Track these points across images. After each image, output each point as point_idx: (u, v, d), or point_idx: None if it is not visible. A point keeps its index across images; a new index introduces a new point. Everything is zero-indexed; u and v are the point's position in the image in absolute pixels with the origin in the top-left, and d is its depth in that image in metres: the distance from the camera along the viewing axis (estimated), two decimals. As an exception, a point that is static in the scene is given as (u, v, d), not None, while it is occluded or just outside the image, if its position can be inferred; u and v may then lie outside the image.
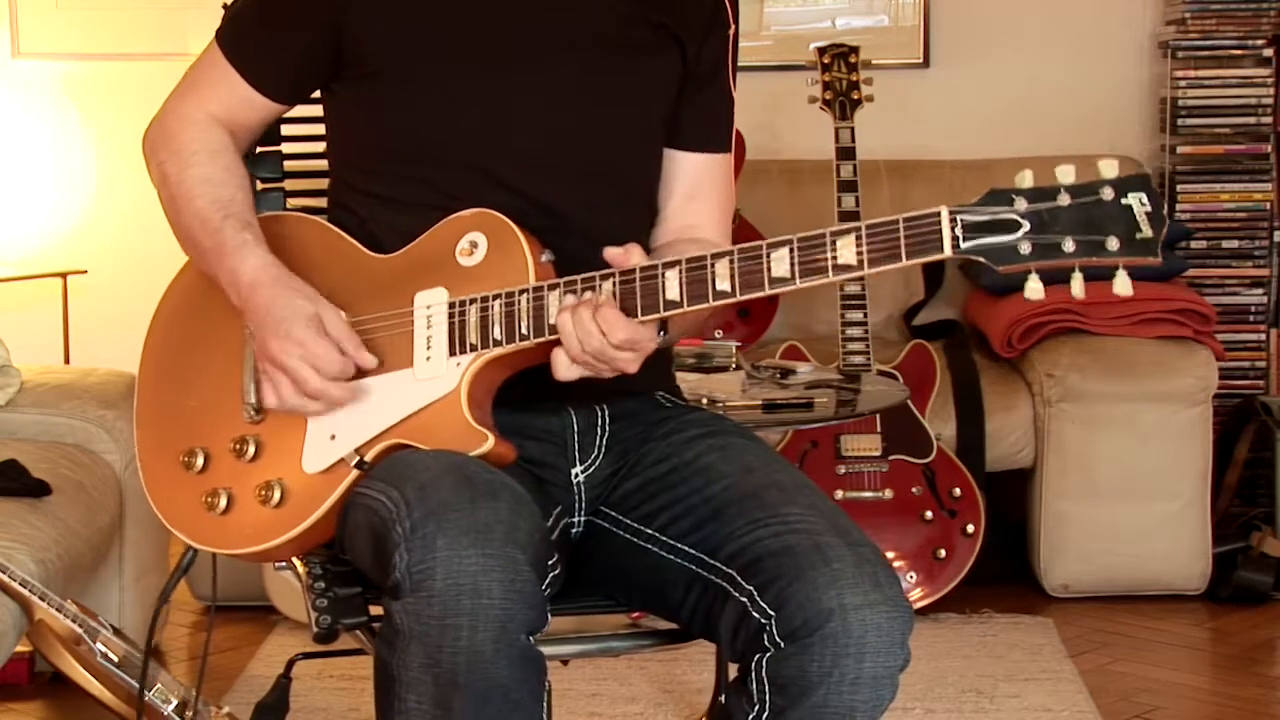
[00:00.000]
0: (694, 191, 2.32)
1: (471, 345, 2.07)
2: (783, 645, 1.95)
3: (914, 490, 4.12)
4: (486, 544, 1.88)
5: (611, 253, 2.03)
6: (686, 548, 2.09)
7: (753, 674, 1.98)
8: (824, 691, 1.93)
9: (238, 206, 2.21)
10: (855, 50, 4.19)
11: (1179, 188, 4.81)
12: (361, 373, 2.12)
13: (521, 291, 2.05)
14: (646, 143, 2.30)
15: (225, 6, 2.66)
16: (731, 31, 2.32)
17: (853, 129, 4.10)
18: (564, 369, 2.04)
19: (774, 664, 1.96)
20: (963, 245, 1.86)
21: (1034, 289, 1.88)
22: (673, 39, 2.27)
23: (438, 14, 2.19)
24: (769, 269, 1.95)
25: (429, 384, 2.08)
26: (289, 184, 2.72)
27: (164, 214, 2.27)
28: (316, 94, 2.32)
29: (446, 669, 1.87)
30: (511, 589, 1.87)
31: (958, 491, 4.12)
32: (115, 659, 2.92)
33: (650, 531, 2.15)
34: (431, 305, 2.11)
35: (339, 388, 2.09)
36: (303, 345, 2.08)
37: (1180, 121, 4.80)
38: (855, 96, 4.14)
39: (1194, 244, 4.79)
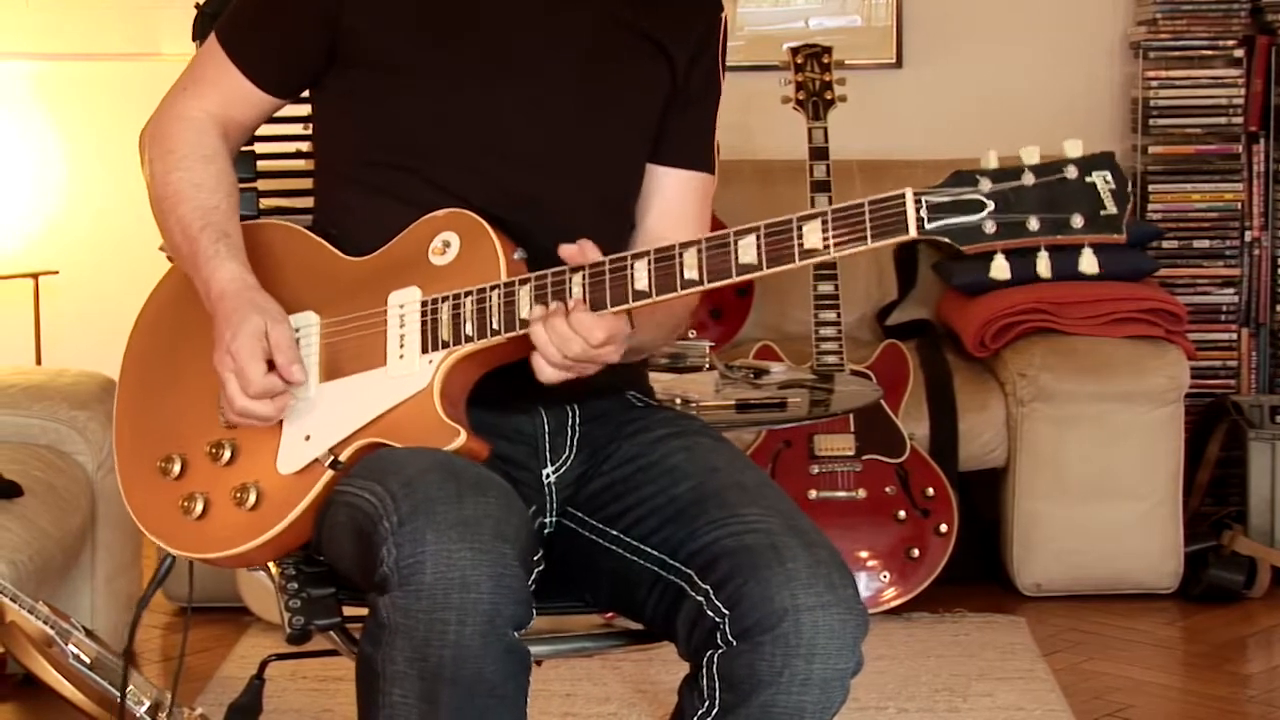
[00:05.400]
0: (672, 208, 2.32)
1: (444, 342, 2.07)
2: (735, 643, 1.96)
3: (887, 490, 4.12)
4: (476, 538, 1.88)
5: (566, 250, 2.03)
6: (649, 549, 2.10)
7: (704, 670, 1.99)
8: (773, 691, 1.94)
9: (219, 215, 2.20)
10: (828, 50, 4.20)
11: (1150, 187, 4.82)
12: (335, 374, 2.12)
13: (493, 288, 2.05)
14: (631, 150, 2.30)
15: (198, 6, 2.66)
16: (721, 26, 2.33)
17: (826, 129, 4.10)
18: (547, 374, 2.04)
19: (725, 661, 1.97)
20: (927, 226, 1.87)
21: (1000, 266, 1.89)
22: (663, 53, 2.28)
23: (436, 11, 2.20)
24: (736, 256, 1.95)
25: (402, 381, 2.08)
26: (260, 184, 2.73)
27: (150, 210, 2.27)
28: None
29: (433, 663, 1.87)
30: (500, 584, 1.87)
31: (931, 491, 4.13)
32: (87, 661, 2.92)
33: (615, 533, 2.16)
34: (405, 304, 2.11)
35: (263, 404, 2.09)
36: (236, 359, 2.08)
37: (1152, 121, 4.82)
38: (828, 97, 4.15)
39: (1165, 244, 4.80)
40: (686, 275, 1.98)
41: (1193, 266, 4.84)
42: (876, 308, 4.83)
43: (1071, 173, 1.86)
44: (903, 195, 1.88)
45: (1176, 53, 4.81)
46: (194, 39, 2.74)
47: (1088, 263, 1.87)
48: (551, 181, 2.21)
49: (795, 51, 4.20)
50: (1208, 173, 4.83)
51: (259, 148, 2.66)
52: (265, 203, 2.75)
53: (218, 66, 2.27)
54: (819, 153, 4.07)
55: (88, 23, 5.05)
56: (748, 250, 1.95)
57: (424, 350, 2.08)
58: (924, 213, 1.87)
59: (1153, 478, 4.26)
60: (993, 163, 1.88)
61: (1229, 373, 4.86)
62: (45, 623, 2.91)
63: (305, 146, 2.42)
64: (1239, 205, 4.82)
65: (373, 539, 1.92)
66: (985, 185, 1.87)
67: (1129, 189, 1.88)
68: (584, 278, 2.01)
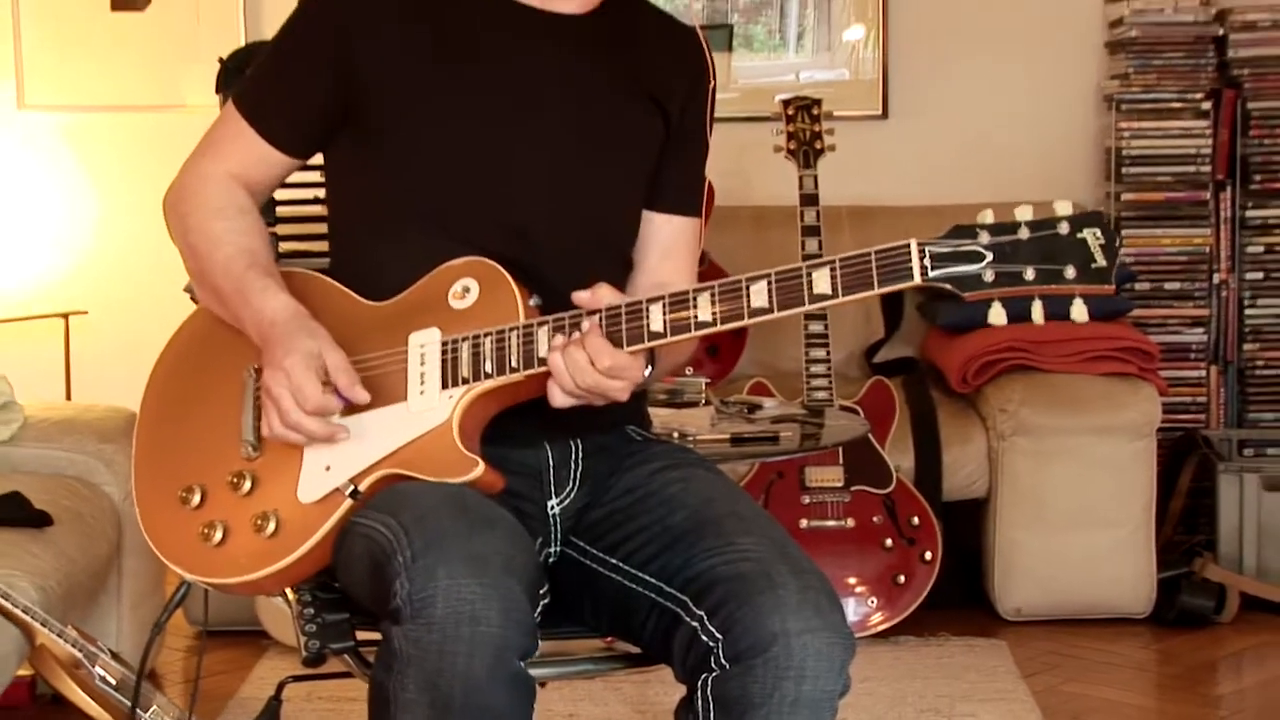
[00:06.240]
0: (668, 252, 2.33)
1: (463, 378, 2.07)
2: (728, 666, 1.96)
3: (875, 519, 4.12)
4: (485, 573, 1.88)
5: (579, 296, 2.04)
6: (647, 575, 2.10)
7: (699, 693, 1.98)
8: (765, 712, 1.94)
9: (262, 257, 2.22)
10: (818, 102, 4.20)
11: (1124, 232, 4.82)
12: (356, 409, 2.11)
13: (512, 329, 2.06)
14: (629, 198, 2.31)
15: (221, 60, 2.67)
16: (711, 81, 2.34)
17: (816, 176, 4.11)
18: (558, 399, 2.04)
19: (719, 684, 1.97)
20: (931, 274, 1.90)
21: (997, 312, 1.93)
22: (658, 107, 2.29)
23: (444, 72, 2.20)
24: (749, 300, 1.97)
25: (422, 416, 2.08)
26: (279, 229, 2.73)
27: (184, 264, 2.27)
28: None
29: (443, 693, 1.86)
30: (508, 617, 1.87)
31: (916, 520, 4.12)
32: (113, 682, 2.90)
33: (615, 560, 2.15)
34: (425, 344, 2.11)
35: (317, 422, 2.07)
36: (290, 376, 2.07)
37: (1124, 170, 4.82)
38: (818, 146, 4.15)
39: (1138, 285, 4.80)
40: (700, 317, 1.99)
41: (1164, 307, 4.84)
42: (864, 346, 4.83)
43: (1064, 228, 1.90)
44: (908, 245, 1.91)
45: (1148, 105, 4.82)
46: (217, 91, 2.74)
47: (1079, 312, 1.93)
48: (554, 226, 2.21)
49: (787, 103, 4.21)
50: (1178, 218, 4.83)
51: (278, 194, 2.65)
52: (284, 247, 2.75)
53: (237, 130, 2.27)
54: (809, 199, 4.07)
55: (117, 76, 5.06)
56: (760, 295, 1.96)
57: (444, 386, 2.08)
58: (927, 261, 1.90)
59: (1127, 508, 4.25)
60: (990, 218, 1.91)
61: (1199, 408, 4.85)
62: (73, 645, 2.90)
63: (322, 194, 2.42)
64: (1207, 249, 4.83)
65: (387, 571, 1.92)
66: (984, 238, 1.91)
67: (1118, 244, 1.91)
68: (600, 319, 2.02)
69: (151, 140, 4.89)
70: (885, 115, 5.14)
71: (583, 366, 2.00)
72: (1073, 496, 4.24)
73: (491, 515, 1.98)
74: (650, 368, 2.07)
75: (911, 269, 1.90)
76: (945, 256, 1.90)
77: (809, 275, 1.94)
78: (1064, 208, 1.91)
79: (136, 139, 5.02)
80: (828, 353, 4.04)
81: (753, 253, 4.59)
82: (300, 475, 2.11)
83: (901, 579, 4.10)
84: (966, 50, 5.11)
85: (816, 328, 4.03)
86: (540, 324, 2.05)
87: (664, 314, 2.00)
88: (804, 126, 4.16)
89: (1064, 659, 4.04)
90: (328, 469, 2.10)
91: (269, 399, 2.09)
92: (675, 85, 2.31)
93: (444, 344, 2.10)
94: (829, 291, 1.94)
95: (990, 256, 1.89)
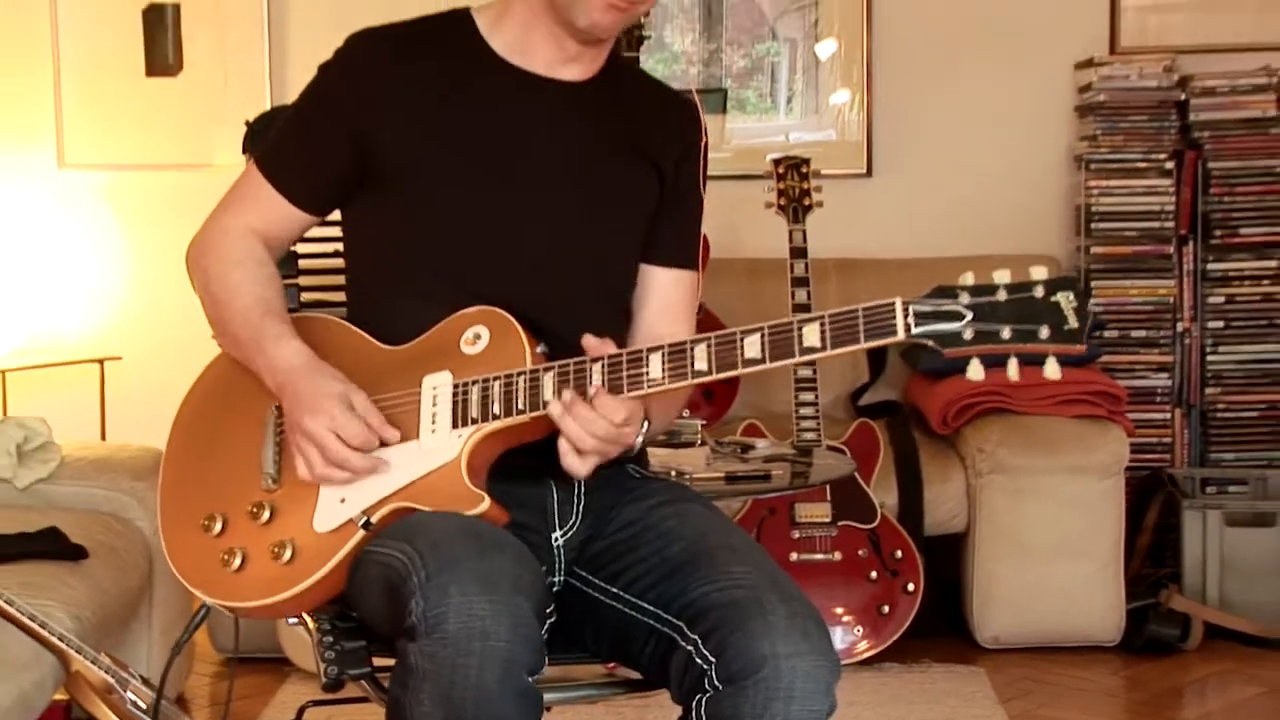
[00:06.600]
0: (665, 306, 2.34)
1: (473, 419, 2.08)
2: (721, 688, 1.96)
3: (860, 552, 4.11)
4: (494, 592, 1.88)
5: (589, 341, 2.05)
6: (646, 604, 2.10)
7: (694, 713, 1.99)
8: None
9: (275, 306, 2.23)
10: (806, 161, 4.21)
11: (1093, 283, 4.82)
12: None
13: (520, 373, 2.07)
14: (627, 252, 2.32)
15: (248, 123, 2.67)
16: (703, 144, 2.35)
17: (805, 231, 4.11)
18: (578, 465, 2.05)
19: (712, 704, 1.97)
20: (914, 330, 1.91)
21: (975, 368, 1.96)
22: (653, 166, 2.30)
23: (453, 140, 2.20)
24: (742, 351, 1.97)
25: (433, 453, 2.09)
26: (301, 279, 2.73)
27: (204, 311, 2.28)
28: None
29: (457, 704, 1.86)
30: (516, 633, 1.88)
31: (899, 554, 4.11)
32: (144, 706, 2.89)
33: (615, 590, 2.15)
34: (438, 386, 2.12)
35: (360, 457, 2.09)
36: (332, 418, 2.08)
37: (1094, 225, 4.83)
38: (806, 202, 4.15)
39: (1107, 333, 4.80)
40: (697, 366, 2.00)
41: (1131, 354, 4.84)
42: (850, 390, 4.82)
43: (1039, 292, 1.92)
44: (893, 304, 1.91)
45: (1115, 165, 4.83)
46: (243, 151, 2.74)
47: (1051, 370, 1.95)
48: (558, 278, 2.22)
49: (777, 162, 4.21)
50: (1144, 271, 4.83)
51: (300, 248, 2.66)
52: (306, 296, 2.75)
53: (258, 187, 2.28)
54: (799, 252, 4.07)
55: (150, 138, 5.07)
56: (753, 346, 1.97)
57: (454, 425, 2.09)
58: (911, 319, 1.91)
59: (1098, 542, 4.24)
60: (970, 280, 1.93)
61: (1164, 449, 4.84)
62: (106, 672, 2.89)
63: (341, 247, 2.43)
64: (1171, 299, 4.83)
65: (402, 592, 1.92)
66: (964, 299, 1.92)
67: (1090, 306, 1.93)
68: (603, 367, 2.02)
69: (181, 197, 4.90)
70: (869, 174, 5.15)
71: (594, 420, 2.01)
72: (1047, 531, 4.23)
73: (501, 540, 1.99)
74: (647, 422, 2.09)
75: (896, 326, 1.90)
76: (928, 315, 1.91)
77: (799, 329, 1.95)
78: (1039, 272, 1.93)
79: (167, 196, 5.03)
80: (816, 396, 4.04)
81: (746, 302, 4.60)
82: (316, 506, 2.12)
83: (886, 609, 4.09)
84: (945, 113, 5.12)
85: (805, 373, 4.03)
86: (546, 370, 2.06)
87: (663, 362, 2.01)
88: (793, 184, 4.17)
89: (1039, 685, 4.02)
90: (342, 501, 2.11)
91: (307, 441, 2.10)
92: (669, 147, 2.32)
93: (455, 386, 2.11)
94: (818, 345, 1.94)
95: (970, 316, 1.91)
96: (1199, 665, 4.17)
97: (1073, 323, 1.91)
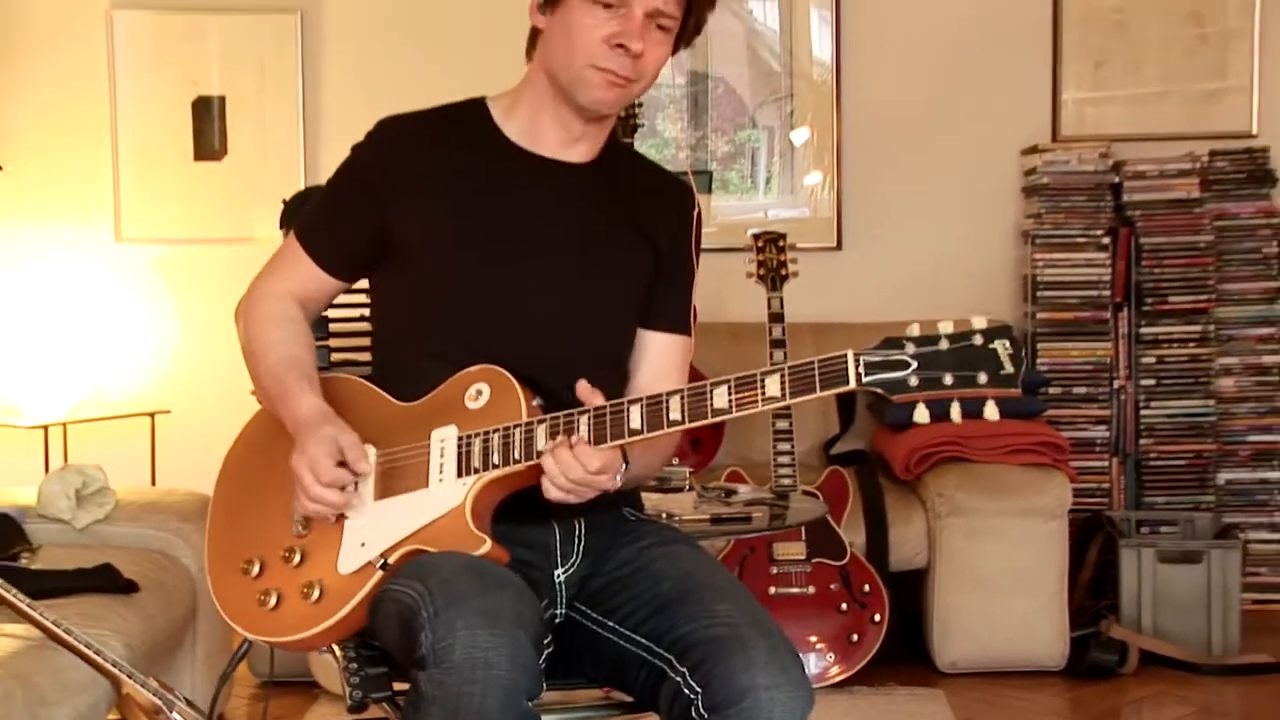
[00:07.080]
0: (660, 368, 2.32)
1: (475, 468, 2.08)
2: (707, 716, 1.95)
3: (832, 587, 4.09)
4: (496, 626, 1.88)
5: (582, 387, 2.05)
6: (639, 637, 2.09)
7: None
8: None
9: (302, 363, 2.23)
10: (783, 236, 4.22)
11: (1039, 345, 4.84)
12: (388, 493, 2.11)
13: (516, 426, 2.07)
14: (624, 318, 2.31)
15: (285, 201, 2.67)
16: (696, 214, 2.34)
17: (781, 298, 4.12)
18: (553, 494, 2.05)
19: None
20: (865, 379, 1.90)
21: (921, 412, 1.93)
22: (648, 240, 2.29)
23: (469, 217, 2.21)
24: (712, 401, 1.96)
25: (441, 500, 2.09)
26: (332, 341, 2.72)
27: (245, 364, 2.28)
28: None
29: None
30: (516, 663, 1.87)
31: (867, 588, 4.10)
32: (187, 726, 2.87)
33: (612, 624, 2.14)
34: (444, 439, 2.12)
35: (333, 493, 2.08)
36: (308, 456, 2.09)
37: (1039, 293, 4.84)
38: (783, 273, 4.16)
39: (1051, 390, 4.81)
40: (672, 416, 1.98)
41: (1073, 408, 4.84)
42: (823, 440, 4.82)
43: (978, 340, 1.89)
44: (845, 355, 1.91)
45: (1057, 240, 4.85)
46: (280, 227, 2.74)
47: (990, 412, 1.91)
48: (560, 341, 2.21)
49: (757, 237, 4.22)
50: (1084, 334, 4.85)
51: (330, 313, 2.66)
52: (336, 356, 2.74)
53: (296, 256, 2.29)
54: (776, 317, 4.08)
55: (198, 215, 5.08)
56: (721, 397, 1.95)
57: (459, 475, 2.08)
58: (861, 369, 1.90)
59: (1044, 577, 4.23)
60: (915, 331, 1.91)
61: (1103, 493, 4.84)
62: (154, 694, 2.86)
63: (367, 312, 2.43)
64: (1108, 360, 4.84)
65: (413, 626, 1.92)
66: (910, 349, 1.90)
67: (1023, 353, 1.91)
68: (589, 418, 2.01)
69: (226, 268, 4.91)
70: (840, 247, 5.16)
71: (572, 464, 2.01)
72: (999, 568, 4.21)
73: (503, 578, 1.98)
74: (625, 465, 2.07)
75: (848, 375, 1.90)
76: (876, 364, 1.90)
77: (763, 380, 1.94)
78: (979, 321, 1.91)
79: (213, 267, 5.04)
80: (792, 446, 4.03)
81: (729, 363, 4.56)
82: (340, 550, 2.12)
83: (855, 638, 4.07)
84: (907, 193, 5.14)
85: (783, 424, 4.03)
86: (540, 422, 2.06)
87: (642, 413, 2.01)
88: (772, 256, 4.17)
89: (992, 706, 4.00)
90: (363, 545, 2.10)
91: (295, 480, 2.10)
92: (663, 222, 2.32)
93: (460, 439, 2.10)
94: (778, 394, 1.93)
95: (915, 364, 1.89)
96: (1135, 688, 4.15)
97: (1009, 368, 1.88)
